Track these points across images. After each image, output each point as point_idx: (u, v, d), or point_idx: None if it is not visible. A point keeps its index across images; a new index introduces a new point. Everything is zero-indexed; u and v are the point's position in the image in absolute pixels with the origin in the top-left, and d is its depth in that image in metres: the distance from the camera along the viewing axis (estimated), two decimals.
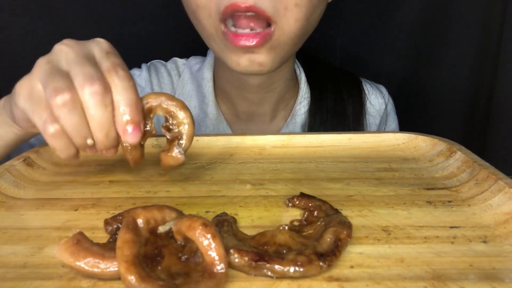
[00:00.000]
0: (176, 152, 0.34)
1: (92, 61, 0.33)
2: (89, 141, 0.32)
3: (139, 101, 0.33)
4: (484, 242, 0.26)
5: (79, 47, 0.33)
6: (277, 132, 0.58)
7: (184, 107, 0.35)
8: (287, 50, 0.46)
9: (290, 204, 0.31)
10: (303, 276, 0.23)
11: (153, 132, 0.35)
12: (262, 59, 0.44)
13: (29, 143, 0.56)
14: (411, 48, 0.75)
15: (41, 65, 0.33)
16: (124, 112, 0.32)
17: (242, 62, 0.44)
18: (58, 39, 0.35)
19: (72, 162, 0.33)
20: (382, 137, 0.45)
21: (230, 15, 0.41)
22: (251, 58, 0.44)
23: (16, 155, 0.40)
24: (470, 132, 0.76)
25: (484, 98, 0.72)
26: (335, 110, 0.58)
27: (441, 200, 0.32)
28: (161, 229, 0.25)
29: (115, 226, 0.28)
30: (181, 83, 0.61)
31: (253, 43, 0.41)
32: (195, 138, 0.45)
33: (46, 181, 0.38)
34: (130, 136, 0.32)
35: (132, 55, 0.64)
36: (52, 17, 0.68)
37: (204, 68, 0.59)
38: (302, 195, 0.31)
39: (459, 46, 0.72)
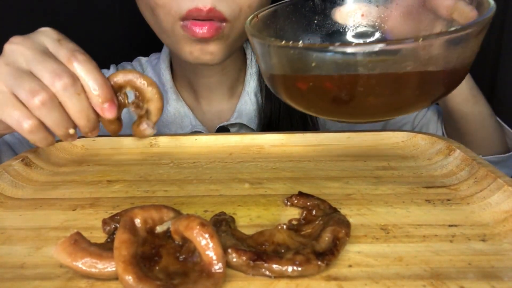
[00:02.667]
0: (145, 127, 0.39)
1: (49, 54, 0.35)
2: (71, 131, 0.36)
3: (106, 79, 0.36)
4: (483, 240, 0.26)
5: (30, 42, 0.35)
6: (234, 106, 0.62)
7: (152, 83, 0.39)
8: (235, 43, 0.51)
9: (288, 203, 0.31)
10: (301, 276, 0.23)
11: (127, 105, 0.39)
12: (212, 48, 0.48)
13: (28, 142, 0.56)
14: None
15: None
16: (97, 94, 0.35)
17: (194, 51, 0.48)
18: None
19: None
20: (381, 136, 0.45)
21: (192, 18, 0.45)
22: (203, 48, 0.48)
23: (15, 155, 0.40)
24: None
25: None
26: None
27: (440, 198, 0.32)
28: (159, 229, 0.25)
29: (113, 226, 0.28)
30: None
31: (205, 30, 0.45)
32: (194, 137, 0.45)
33: (44, 181, 0.38)
34: (107, 112, 0.36)
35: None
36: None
37: (160, 60, 0.64)
38: (301, 194, 0.31)
39: None
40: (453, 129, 0.59)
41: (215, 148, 0.44)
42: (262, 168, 0.39)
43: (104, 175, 0.38)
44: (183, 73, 0.61)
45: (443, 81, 0.28)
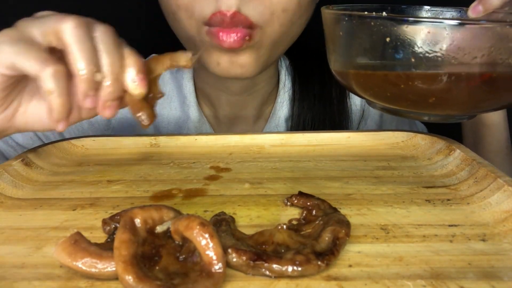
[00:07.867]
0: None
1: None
2: (99, 76, 0.31)
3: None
4: (483, 240, 0.26)
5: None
6: (260, 131, 0.57)
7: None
8: (270, 54, 0.45)
9: (288, 203, 0.31)
10: (301, 276, 0.23)
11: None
12: (243, 60, 0.43)
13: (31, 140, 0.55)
14: None
15: (25, 18, 0.31)
16: (134, 63, 0.32)
17: (222, 62, 0.43)
18: None
19: (58, 128, 0.33)
20: (381, 136, 0.45)
21: (218, 24, 0.41)
22: (233, 59, 0.42)
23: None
24: None
25: None
26: (321, 94, 0.57)
27: (440, 198, 0.32)
28: (159, 228, 0.25)
29: (113, 226, 0.28)
30: (161, 82, 0.59)
31: (232, 40, 0.40)
32: (194, 137, 0.45)
33: (44, 181, 0.38)
34: (140, 85, 0.32)
35: None
36: None
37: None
38: (301, 194, 0.31)
39: None
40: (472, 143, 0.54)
41: (215, 148, 0.44)
42: (262, 168, 0.39)
43: (104, 175, 0.38)
44: (204, 88, 0.55)
45: None
